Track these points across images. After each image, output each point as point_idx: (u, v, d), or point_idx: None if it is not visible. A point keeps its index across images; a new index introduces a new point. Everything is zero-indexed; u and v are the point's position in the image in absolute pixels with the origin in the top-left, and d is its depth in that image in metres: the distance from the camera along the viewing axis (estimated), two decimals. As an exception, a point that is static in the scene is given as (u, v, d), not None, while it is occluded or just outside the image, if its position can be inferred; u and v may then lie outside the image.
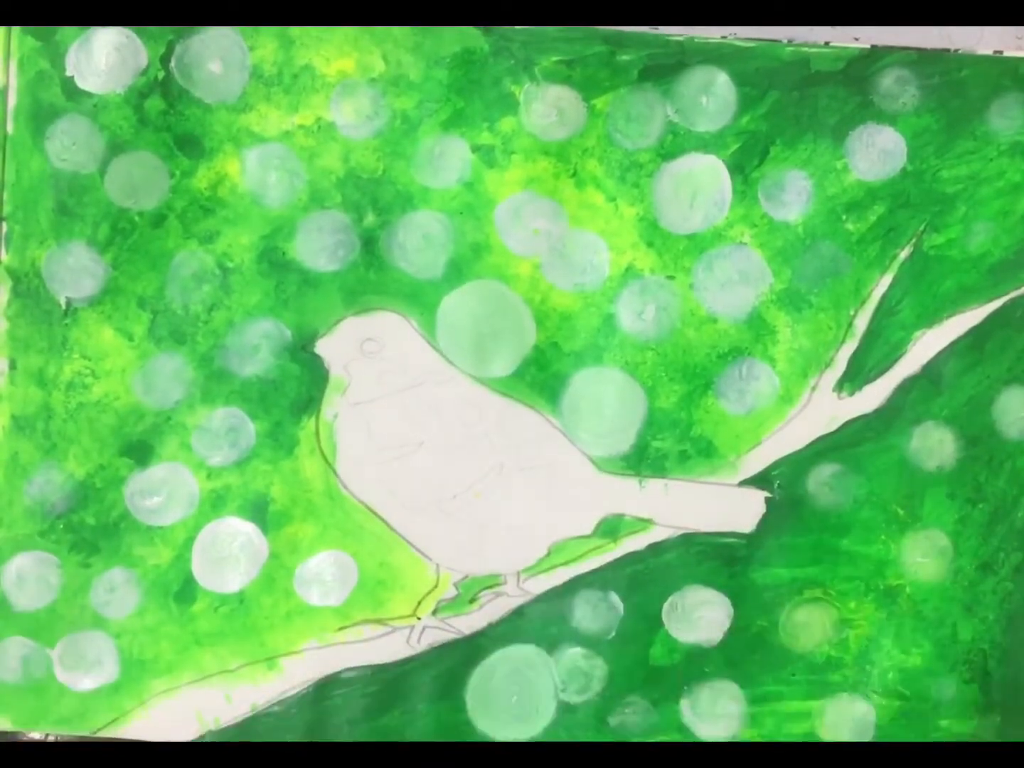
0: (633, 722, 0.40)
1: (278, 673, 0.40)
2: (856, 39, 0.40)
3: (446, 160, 0.40)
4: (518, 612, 0.40)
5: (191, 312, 0.40)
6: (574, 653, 0.40)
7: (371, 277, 0.40)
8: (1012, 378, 0.40)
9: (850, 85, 0.39)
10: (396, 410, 0.40)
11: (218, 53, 0.40)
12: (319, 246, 0.40)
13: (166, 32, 0.39)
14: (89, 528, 0.40)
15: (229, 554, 0.40)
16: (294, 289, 0.40)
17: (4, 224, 0.40)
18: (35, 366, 0.40)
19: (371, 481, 0.40)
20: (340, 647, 0.40)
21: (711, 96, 0.40)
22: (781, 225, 0.40)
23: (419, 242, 0.40)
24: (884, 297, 0.40)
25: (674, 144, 0.40)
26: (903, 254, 0.40)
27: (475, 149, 0.40)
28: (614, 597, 0.40)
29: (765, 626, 0.40)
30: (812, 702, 0.40)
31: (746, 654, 0.40)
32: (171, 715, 0.40)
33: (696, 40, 0.39)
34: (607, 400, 0.40)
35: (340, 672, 0.40)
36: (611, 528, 0.40)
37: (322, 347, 0.40)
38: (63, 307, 0.40)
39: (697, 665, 0.40)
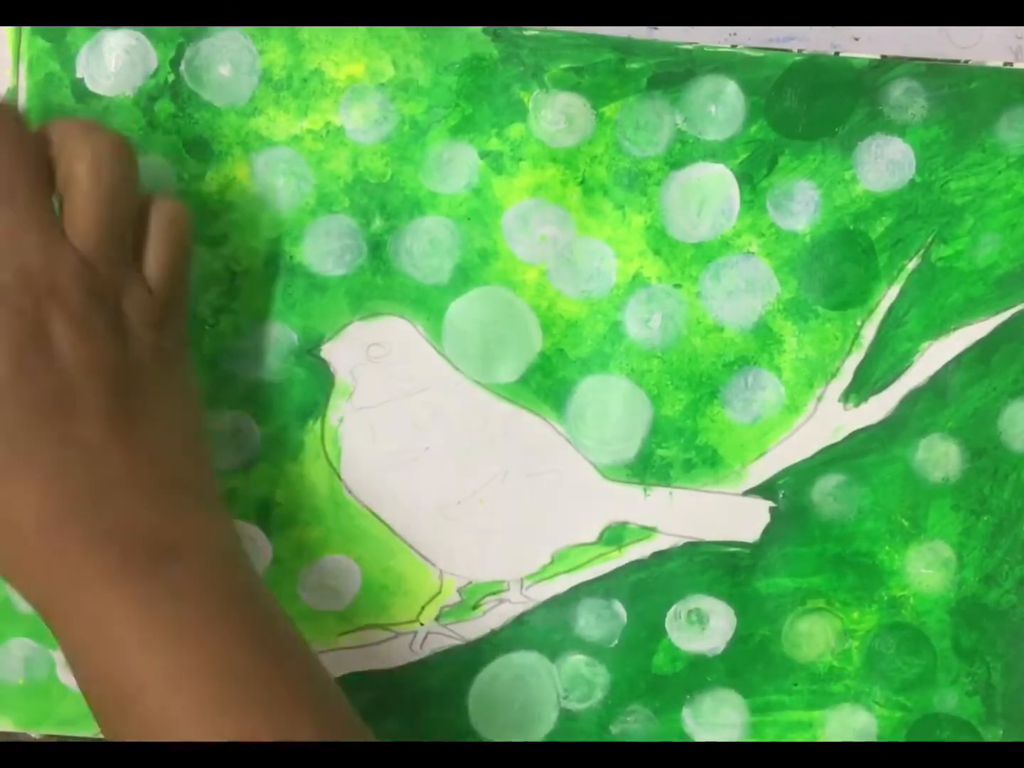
0: (635, 730, 0.40)
1: (280, 677, 0.40)
2: (856, 39, 0.40)
3: (454, 166, 0.40)
4: (521, 619, 0.40)
5: (198, 315, 0.40)
6: (577, 660, 0.40)
7: (378, 282, 0.40)
8: (1018, 391, 0.40)
9: (859, 96, 0.39)
10: (401, 415, 0.40)
11: (228, 56, 0.40)
12: (326, 250, 0.40)
13: (176, 35, 0.39)
14: (93, 530, 0.40)
15: (233, 557, 0.40)
16: (301, 293, 0.40)
17: (12, 225, 0.40)
18: (41, 367, 0.40)
19: (375, 486, 0.40)
20: (342, 652, 0.40)
21: (720, 105, 0.40)
22: (789, 235, 0.40)
23: (426, 247, 0.40)
24: (891, 308, 0.40)
25: (682, 152, 0.40)
26: (911, 265, 0.40)
27: (483, 155, 0.40)
28: (617, 605, 0.40)
29: (768, 636, 0.40)
30: (814, 712, 0.40)
31: (748, 663, 0.40)
32: (173, 717, 0.40)
33: (706, 49, 0.39)
34: (612, 408, 0.40)
35: (342, 677, 0.40)
36: (615, 536, 0.40)
37: (328, 352, 0.40)
38: (70, 309, 0.40)
39: (699, 674, 0.40)
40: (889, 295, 0.40)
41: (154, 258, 0.35)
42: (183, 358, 0.37)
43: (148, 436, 0.34)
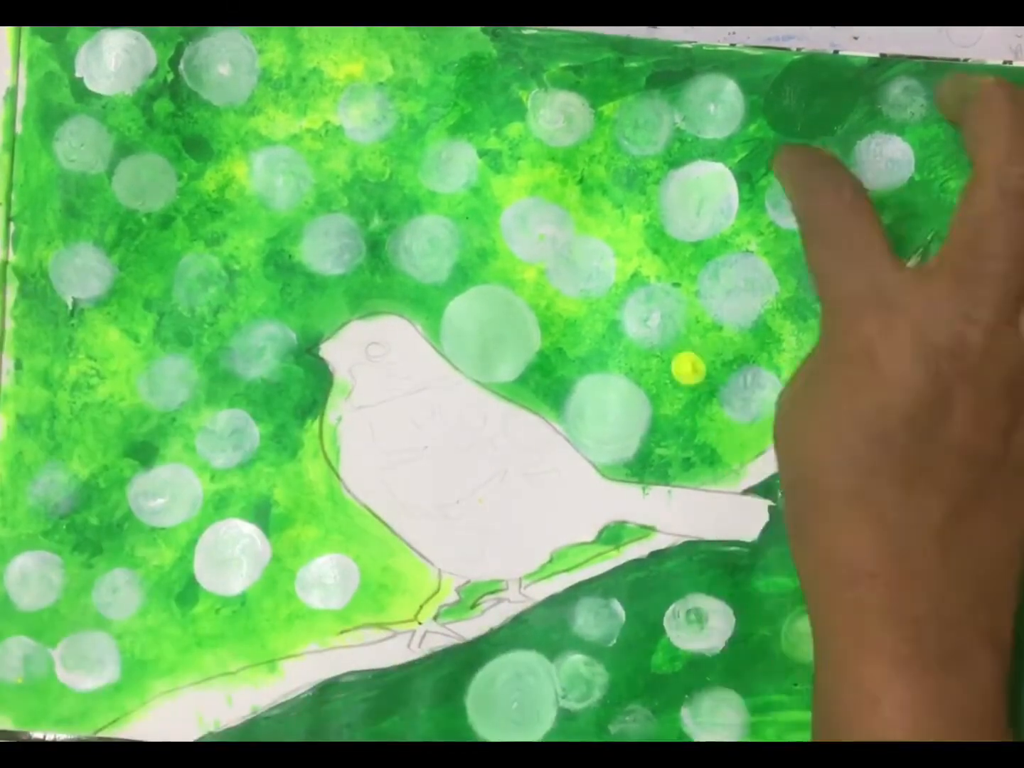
0: (633, 730, 0.40)
1: (279, 676, 0.40)
2: (855, 38, 0.40)
3: (453, 165, 0.40)
4: (519, 618, 0.40)
5: (197, 314, 0.40)
6: (575, 660, 0.40)
7: (377, 281, 0.40)
8: (1018, 389, 0.40)
9: (858, 94, 0.39)
10: (400, 414, 0.40)
11: (227, 56, 0.40)
12: (325, 249, 0.40)
13: (175, 34, 0.40)
14: (92, 529, 0.40)
15: (231, 556, 0.40)
16: (300, 292, 0.40)
17: (12, 224, 0.40)
18: (41, 366, 0.40)
19: (374, 485, 0.40)
20: (341, 651, 0.40)
21: (719, 104, 0.40)
22: (788, 233, 0.40)
23: (425, 247, 0.40)
24: (890, 307, 0.40)
25: (681, 151, 0.40)
26: (910, 264, 0.40)
27: (482, 154, 0.40)
28: (616, 604, 0.40)
29: (767, 635, 0.40)
30: (814, 712, 0.40)
31: (748, 663, 0.40)
32: (172, 716, 0.40)
33: (704, 48, 0.39)
34: (611, 407, 0.40)
35: (341, 676, 0.40)
36: (614, 535, 0.40)
37: (327, 350, 0.40)
38: (69, 308, 0.40)
39: (698, 674, 0.40)
40: (888, 294, 0.40)
41: None
42: None
43: (975, 536, 0.33)
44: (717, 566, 0.40)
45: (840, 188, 0.35)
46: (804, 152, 0.37)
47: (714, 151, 0.40)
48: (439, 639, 0.40)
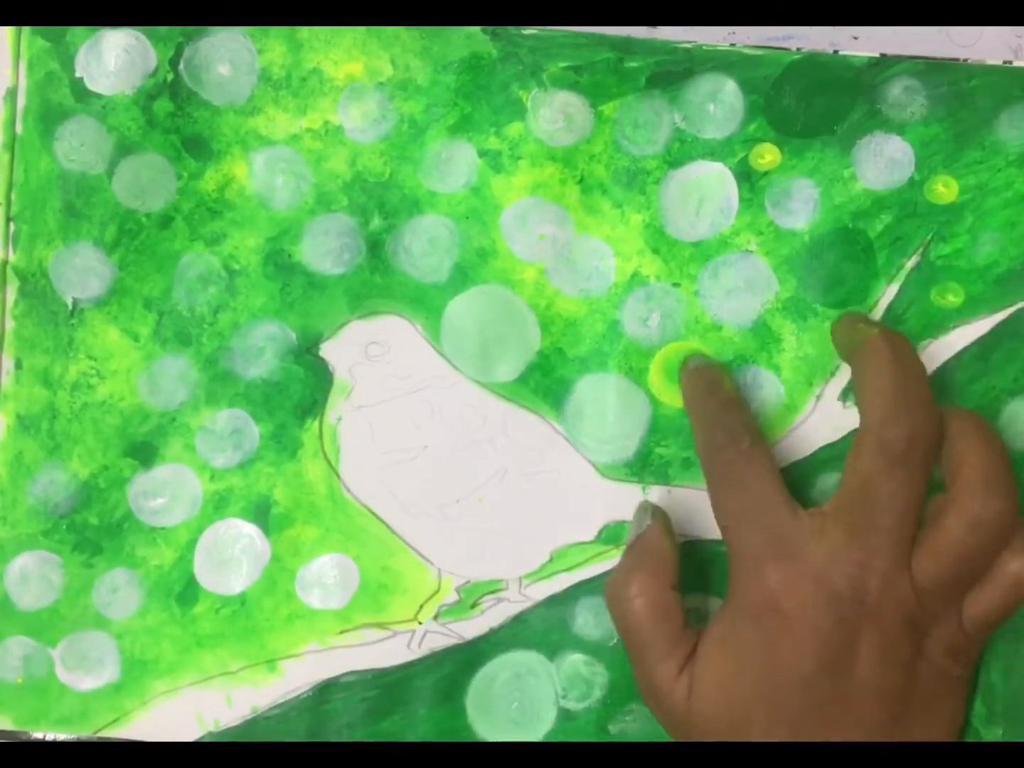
0: (634, 730, 0.40)
1: (279, 676, 0.40)
2: (855, 38, 0.40)
3: (453, 165, 0.40)
4: (519, 618, 0.40)
5: (197, 314, 0.40)
6: (575, 660, 0.40)
7: (376, 281, 0.40)
8: (1018, 389, 0.40)
9: (858, 94, 0.39)
10: (400, 414, 0.40)
11: (227, 56, 0.40)
12: (325, 249, 0.40)
13: (175, 34, 0.40)
14: (92, 528, 0.40)
15: (231, 556, 0.40)
16: (299, 292, 0.40)
17: (12, 224, 0.40)
18: (40, 366, 0.40)
19: (374, 485, 0.40)
20: (341, 650, 0.40)
21: (719, 103, 0.40)
22: (787, 233, 0.40)
23: (425, 246, 0.40)
24: (890, 306, 0.40)
25: (681, 151, 0.40)
26: (910, 263, 0.40)
27: (482, 154, 0.40)
28: (616, 604, 0.40)
29: (767, 635, 0.40)
30: (814, 712, 0.40)
31: (748, 663, 0.40)
32: (172, 716, 0.40)
33: (704, 47, 0.39)
34: (611, 406, 0.40)
35: (341, 676, 0.40)
36: (614, 535, 0.40)
37: (327, 350, 0.40)
38: (69, 307, 0.40)
39: (698, 673, 0.40)
40: (888, 293, 0.40)
41: (982, 609, 0.34)
42: (966, 683, 0.36)
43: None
44: (717, 566, 0.40)
45: (738, 437, 0.36)
46: (704, 385, 0.38)
47: (714, 151, 0.40)
48: (439, 639, 0.40)
